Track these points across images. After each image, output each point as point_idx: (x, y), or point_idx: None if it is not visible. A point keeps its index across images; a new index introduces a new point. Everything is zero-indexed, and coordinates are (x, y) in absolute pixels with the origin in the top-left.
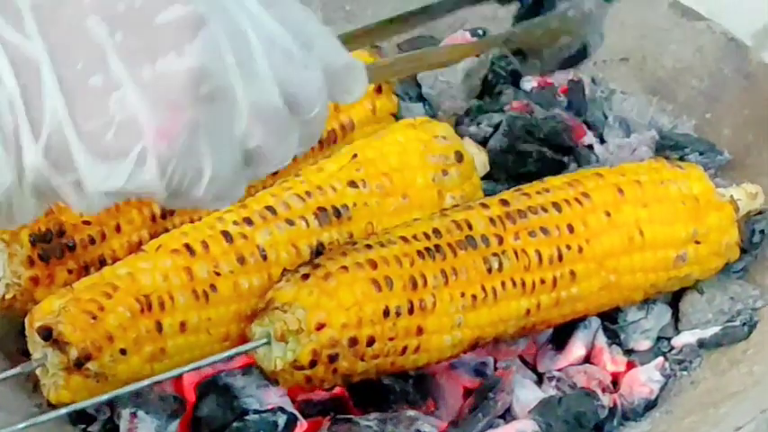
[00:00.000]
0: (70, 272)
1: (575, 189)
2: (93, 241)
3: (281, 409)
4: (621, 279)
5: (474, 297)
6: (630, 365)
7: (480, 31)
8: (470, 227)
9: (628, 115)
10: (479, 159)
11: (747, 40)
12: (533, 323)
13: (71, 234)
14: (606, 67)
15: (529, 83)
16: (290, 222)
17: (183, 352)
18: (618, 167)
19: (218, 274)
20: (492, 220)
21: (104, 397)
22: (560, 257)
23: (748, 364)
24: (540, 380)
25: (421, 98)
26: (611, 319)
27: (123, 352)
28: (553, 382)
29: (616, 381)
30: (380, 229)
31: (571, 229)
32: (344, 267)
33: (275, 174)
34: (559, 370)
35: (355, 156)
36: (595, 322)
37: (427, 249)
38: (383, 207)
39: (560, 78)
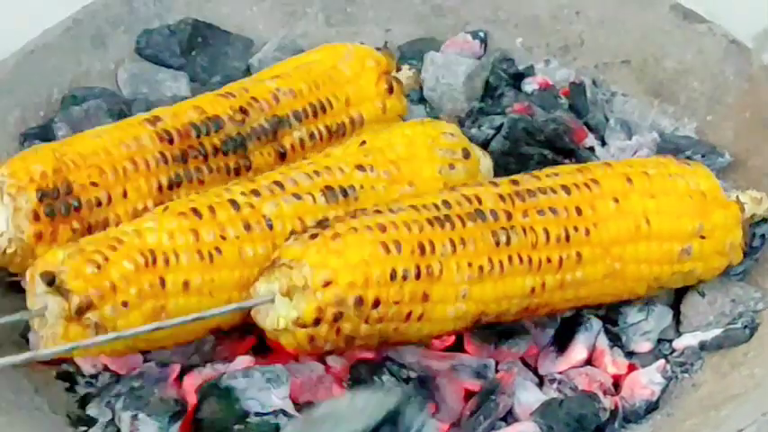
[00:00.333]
0: (74, 231)
1: (584, 175)
2: (99, 203)
3: (283, 412)
4: (626, 268)
5: (481, 268)
6: (632, 368)
7: (482, 34)
8: (480, 201)
9: (629, 117)
10: (485, 163)
11: (749, 42)
12: (537, 304)
13: (78, 193)
14: (607, 70)
15: (530, 85)
16: (297, 196)
17: (183, 313)
18: (625, 161)
19: (223, 238)
20: (501, 197)
21: (100, 338)
22: (567, 238)
23: (749, 367)
24: (541, 382)
25: (422, 100)
26: (611, 322)
27: (125, 305)
28: (554, 385)
29: (617, 383)
30: None
31: (579, 211)
32: (353, 228)
33: (283, 160)
34: (560, 372)
35: (364, 143)
36: (597, 324)
37: (437, 218)
38: (389, 192)
39: (562, 80)
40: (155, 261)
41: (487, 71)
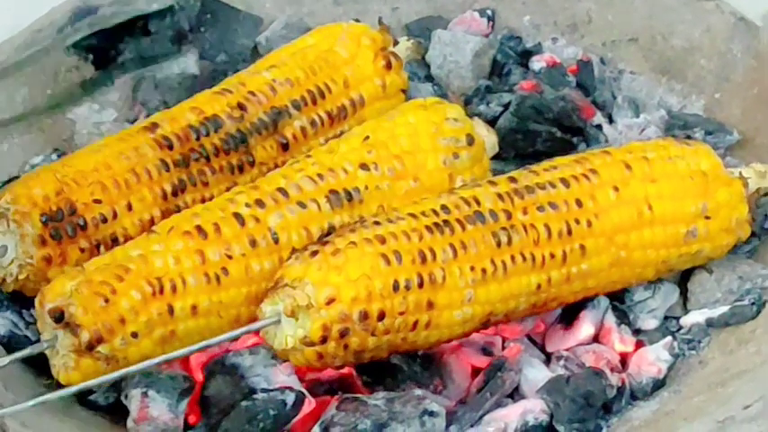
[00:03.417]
0: (82, 250)
1: (582, 166)
2: (104, 220)
3: (290, 389)
4: (632, 255)
5: (484, 271)
6: (639, 345)
7: (489, 12)
8: (478, 203)
9: (637, 95)
10: (489, 141)
11: (757, 19)
12: (544, 300)
13: (82, 213)
14: (615, 47)
15: (537, 63)
16: (302, 205)
17: (193, 335)
18: (625, 146)
19: (229, 257)
20: (500, 196)
21: (112, 375)
22: (569, 232)
23: (756, 344)
24: (548, 359)
25: (429, 78)
26: (618, 299)
27: (135, 335)
28: (561, 362)
29: (624, 360)
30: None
31: (579, 203)
32: (353, 243)
33: (286, 150)
34: (568, 350)
35: (367, 138)
36: (604, 301)
37: (436, 225)
38: (394, 190)
39: (569, 58)
40: (162, 289)
41: (495, 49)
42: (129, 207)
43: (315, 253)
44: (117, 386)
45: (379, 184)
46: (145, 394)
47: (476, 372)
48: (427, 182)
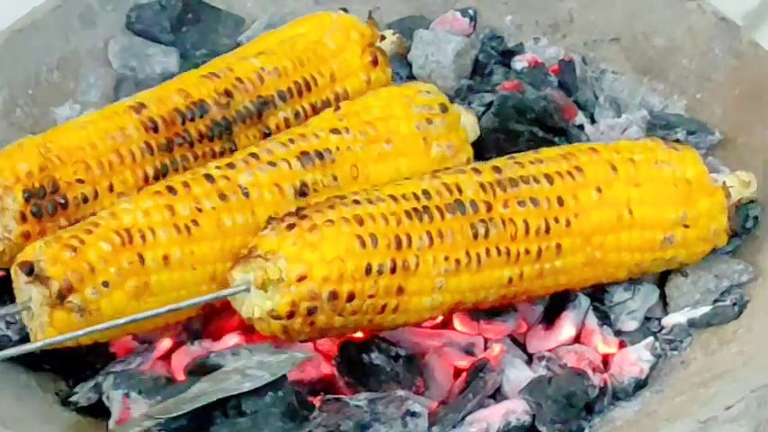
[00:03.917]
0: (61, 228)
1: (568, 162)
2: (85, 199)
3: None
4: (607, 256)
5: (458, 262)
6: (622, 346)
7: (471, 12)
8: (460, 191)
9: (618, 95)
10: (468, 120)
11: (738, 19)
12: (515, 292)
13: (64, 192)
14: (597, 47)
15: (519, 63)
16: (273, 164)
17: (168, 290)
18: (613, 144)
19: (199, 209)
20: (483, 186)
21: (81, 332)
22: (548, 230)
23: (738, 344)
24: (530, 360)
25: (411, 78)
26: (598, 300)
27: (106, 284)
28: (543, 362)
29: (606, 361)
30: (365, 173)
31: (561, 202)
32: (330, 221)
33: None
34: (549, 350)
35: (338, 108)
36: (585, 302)
37: (415, 210)
38: (367, 152)
39: (551, 58)
40: (131, 239)
41: (477, 49)
42: (111, 188)
43: (292, 226)
44: (98, 387)
45: (351, 146)
46: (126, 395)
47: (458, 372)
48: (401, 145)
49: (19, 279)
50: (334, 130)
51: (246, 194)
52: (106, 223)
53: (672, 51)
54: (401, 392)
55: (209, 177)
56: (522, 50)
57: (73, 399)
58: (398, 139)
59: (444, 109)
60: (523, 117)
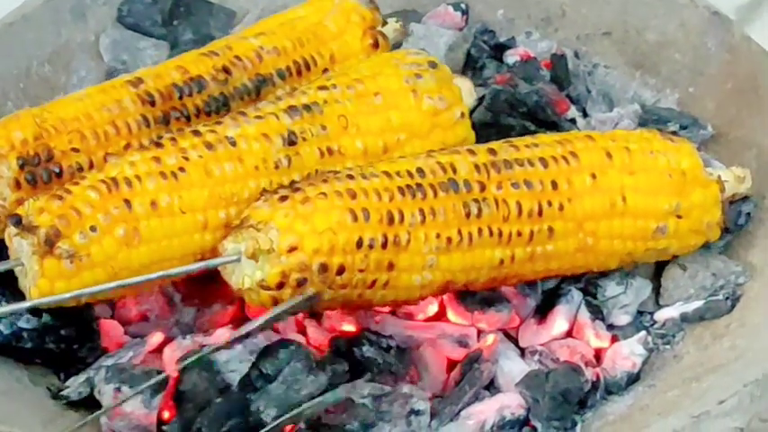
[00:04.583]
0: None
1: (563, 147)
2: (80, 169)
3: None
4: (599, 243)
5: (449, 240)
6: (615, 341)
7: (463, 5)
8: (455, 170)
9: (611, 89)
10: (463, 84)
11: (731, 13)
12: (505, 275)
13: (59, 160)
14: (589, 41)
15: (511, 57)
16: (260, 118)
17: (159, 238)
18: (610, 133)
19: (186, 158)
20: (477, 167)
21: (79, 292)
22: (540, 212)
23: (731, 338)
24: (522, 354)
25: None
26: (590, 294)
27: (93, 229)
28: (536, 357)
29: (598, 355)
30: (355, 123)
31: (555, 185)
32: (323, 194)
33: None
34: (542, 344)
35: (326, 70)
36: (577, 296)
37: (408, 187)
38: (356, 105)
39: (543, 52)
40: (117, 186)
41: (469, 43)
42: (106, 159)
43: (284, 198)
44: (90, 381)
45: (340, 99)
46: (118, 389)
47: (451, 364)
48: (390, 98)
49: (11, 236)
50: (322, 87)
51: (234, 144)
52: (93, 176)
53: (664, 45)
54: (405, 389)
55: (196, 132)
56: (514, 44)
57: (64, 393)
58: (388, 93)
59: (434, 65)
60: (516, 111)
